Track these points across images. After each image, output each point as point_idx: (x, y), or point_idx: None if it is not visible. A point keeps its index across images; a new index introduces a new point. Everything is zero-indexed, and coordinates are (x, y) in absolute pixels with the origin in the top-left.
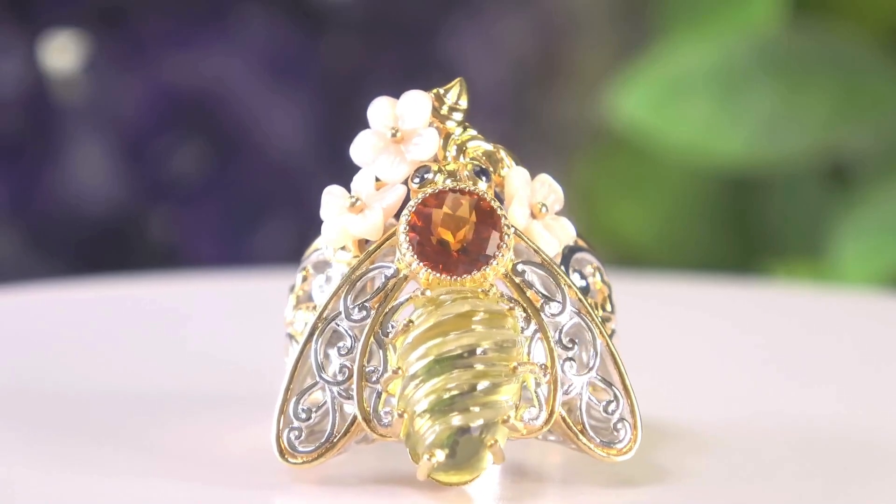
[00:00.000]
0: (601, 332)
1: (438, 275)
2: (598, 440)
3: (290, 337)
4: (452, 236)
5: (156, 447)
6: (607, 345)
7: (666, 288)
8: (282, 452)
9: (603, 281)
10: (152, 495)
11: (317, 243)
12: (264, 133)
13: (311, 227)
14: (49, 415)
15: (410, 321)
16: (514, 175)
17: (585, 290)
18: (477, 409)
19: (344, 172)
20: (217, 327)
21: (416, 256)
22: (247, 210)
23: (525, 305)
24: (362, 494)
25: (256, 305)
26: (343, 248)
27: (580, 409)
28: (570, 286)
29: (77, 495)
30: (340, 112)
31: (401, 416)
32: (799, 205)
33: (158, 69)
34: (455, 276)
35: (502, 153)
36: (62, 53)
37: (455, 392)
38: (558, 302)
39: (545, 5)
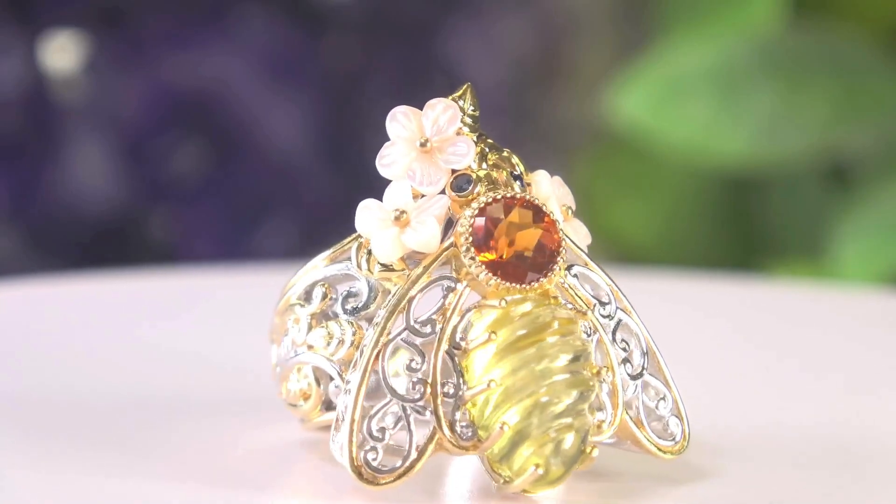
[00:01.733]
0: (645, 329)
1: (507, 283)
2: (657, 438)
3: (297, 356)
4: (513, 244)
5: (154, 447)
6: (650, 341)
7: (666, 287)
8: (361, 475)
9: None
10: (148, 496)
11: (314, 262)
12: (264, 133)
13: (310, 227)
14: (49, 415)
15: (493, 332)
16: (542, 179)
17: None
18: (573, 418)
19: (344, 172)
20: (217, 327)
21: (483, 266)
22: (246, 210)
23: (581, 308)
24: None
25: (256, 305)
26: (385, 265)
27: (639, 408)
28: (614, 286)
29: (76, 494)
30: (340, 112)
31: (501, 428)
32: (799, 204)
33: (158, 69)
34: (523, 284)
35: (515, 158)
36: (62, 53)
37: (554, 403)
38: (607, 302)
39: (545, 5)
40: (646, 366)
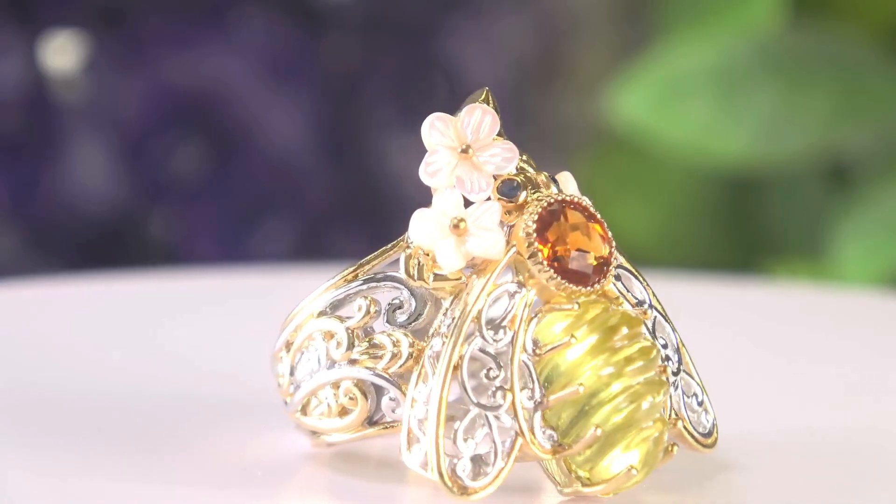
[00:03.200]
0: (673, 328)
1: (574, 286)
2: (696, 433)
3: (335, 369)
4: (575, 246)
5: (155, 448)
6: (679, 339)
7: (666, 288)
8: (452, 486)
9: None
10: (149, 495)
11: (336, 280)
12: (264, 133)
13: (311, 227)
14: (49, 416)
15: (572, 336)
16: (568, 179)
17: None
18: (656, 418)
19: (344, 172)
20: (217, 327)
21: (550, 270)
22: (246, 210)
23: (645, 308)
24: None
25: (256, 305)
26: (440, 274)
27: (682, 405)
28: (647, 284)
29: (75, 494)
30: (340, 112)
31: (595, 431)
32: (799, 205)
33: (158, 69)
34: (588, 287)
35: (525, 157)
36: (62, 53)
37: (644, 403)
38: (647, 303)
39: (545, 5)
40: (680, 363)
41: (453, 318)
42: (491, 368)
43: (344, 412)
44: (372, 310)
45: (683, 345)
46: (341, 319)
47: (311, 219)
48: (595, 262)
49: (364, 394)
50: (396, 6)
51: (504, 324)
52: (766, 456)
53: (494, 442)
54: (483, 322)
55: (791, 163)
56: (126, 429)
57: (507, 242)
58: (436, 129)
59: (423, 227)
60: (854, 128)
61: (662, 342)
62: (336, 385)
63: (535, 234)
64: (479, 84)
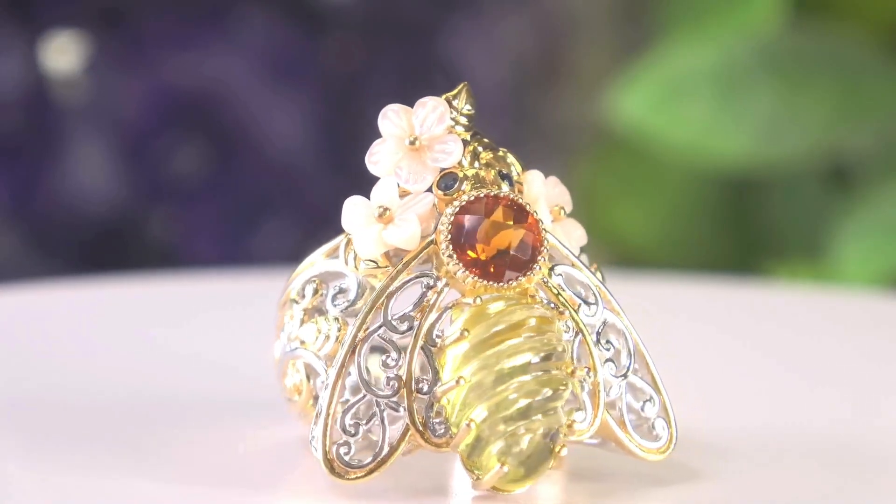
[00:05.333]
0: (633, 331)
1: (485, 282)
2: (640, 439)
3: (292, 351)
4: (493, 242)
5: (156, 449)
6: (637, 343)
7: (666, 289)
8: (333, 469)
9: (601, 281)
10: (149, 495)
11: (313, 257)
12: (264, 133)
13: (311, 227)
14: (50, 417)
15: (465, 330)
16: (534, 178)
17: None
18: (542, 416)
19: (344, 173)
20: (217, 327)
21: (461, 264)
22: (247, 210)
23: (567, 308)
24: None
25: (256, 306)
26: (371, 262)
27: (622, 410)
28: (600, 286)
29: (75, 495)
30: (340, 112)
31: (468, 426)
32: (799, 205)
33: (159, 69)
34: (501, 283)
35: (510, 157)
36: (62, 54)
37: (521, 401)
38: (593, 303)
39: (545, 6)
40: (632, 367)
41: (366, 304)
42: (390, 356)
43: (299, 391)
44: (320, 293)
45: (644, 351)
46: (297, 301)
47: (311, 219)
48: (511, 260)
49: (308, 375)
50: (397, 6)
51: (411, 314)
52: (767, 456)
53: (384, 430)
54: (389, 310)
55: (791, 163)
56: (126, 429)
57: (430, 234)
58: (388, 118)
59: (350, 214)
60: (854, 128)
61: (608, 346)
62: (293, 364)
63: (450, 227)
64: (479, 84)
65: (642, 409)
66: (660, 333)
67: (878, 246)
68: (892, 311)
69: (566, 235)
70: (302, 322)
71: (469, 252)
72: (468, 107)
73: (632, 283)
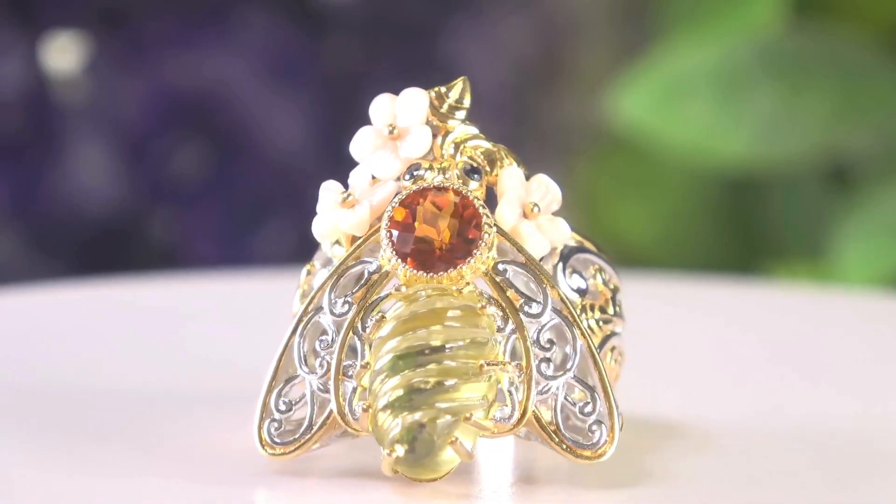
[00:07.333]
0: (582, 334)
1: (415, 271)
2: (572, 441)
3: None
4: (434, 233)
5: (155, 448)
6: (588, 346)
7: (667, 289)
8: (261, 443)
9: (604, 283)
10: (150, 495)
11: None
12: (265, 134)
13: (311, 227)
14: (48, 415)
15: (383, 316)
16: (507, 174)
17: (584, 292)
18: (437, 405)
19: (344, 173)
20: (217, 328)
21: (395, 252)
22: (247, 211)
23: (503, 304)
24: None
25: (256, 306)
26: (337, 242)
27: (555, 410)
28: (552, 286)
29: (76, 495)
30: (341, 113)
31: (365, 410)
32: (800, 206)
33: (159, 70)
34: (432, 274)
35: (503, 153)
36: (63, 54)
37: (416, 388)
38: (539, 302)
39: (546, 6)
40: (571, 369)
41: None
42: (325, 338)
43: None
44: (312, 274)
45: (596, 354)
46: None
47: (311, 219)
48: (442, 252)
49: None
50: (397, 7)
51: (349, 299)
52: (766, 456)
53: (311, 410)
54: (331, 293)
55: (792, 164)
56: (127, 429)
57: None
58: (375, 107)
59: (320, 198)
60: (854, 129)
61: (547, 346)
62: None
63: (390, 216)
64: (480, 84)
65: (580, 411)
66: (660, 333)
67: (879, 246)
68: (892, 311)
69: (540, 233)
70: (301, 302)
71: (407, 241)
72: (465, 100)
73: (632, 283)
